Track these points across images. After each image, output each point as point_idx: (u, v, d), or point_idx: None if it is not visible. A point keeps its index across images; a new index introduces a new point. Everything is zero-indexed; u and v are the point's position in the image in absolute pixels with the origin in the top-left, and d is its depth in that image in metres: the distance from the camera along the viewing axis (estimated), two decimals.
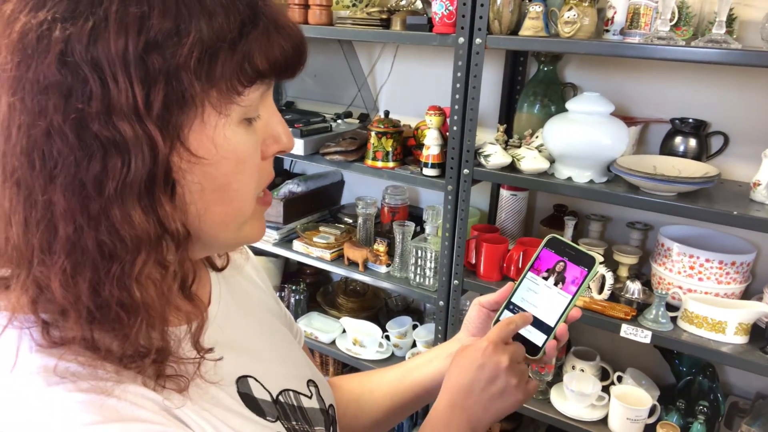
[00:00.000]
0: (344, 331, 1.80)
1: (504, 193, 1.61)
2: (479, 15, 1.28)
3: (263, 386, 0.55)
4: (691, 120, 1.39)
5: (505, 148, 1.42)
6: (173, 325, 0.48)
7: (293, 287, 1.94)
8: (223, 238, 0.49)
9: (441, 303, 1.52)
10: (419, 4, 1.57)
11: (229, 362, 0.53)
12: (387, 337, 1.74)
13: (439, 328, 1.55)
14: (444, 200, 1.45)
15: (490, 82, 1.64)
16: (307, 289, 1.96)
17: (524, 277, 0.69)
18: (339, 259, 1.71)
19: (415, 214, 1.77)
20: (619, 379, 1.49)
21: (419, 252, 1.55)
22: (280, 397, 0.57)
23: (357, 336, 1.74)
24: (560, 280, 0.67)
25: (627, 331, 1.28)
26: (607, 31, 1.29)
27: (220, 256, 0.61)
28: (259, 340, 0.60)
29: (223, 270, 0.61)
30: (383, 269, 1.63)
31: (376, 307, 1.93)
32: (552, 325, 0.66)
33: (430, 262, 1.54)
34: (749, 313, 1.22)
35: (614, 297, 1.38)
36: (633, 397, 1.37)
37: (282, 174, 2.09)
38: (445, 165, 1.43)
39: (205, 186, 0.45)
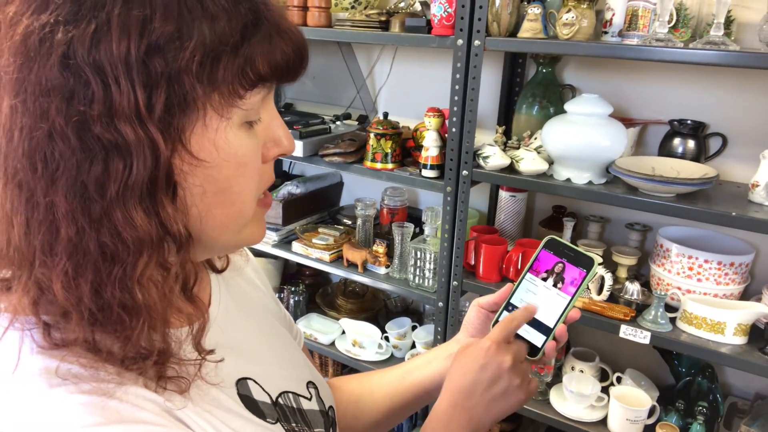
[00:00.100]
0: (343, 332, 1.80)
1: (503, 194, 1.61)
2: (478, 17, 1.29)
3: (263, 388, 0.55)
4: (689, 121, 1.39)
5: (504, 150, 1.43)
6: (174, 327, 0.48)
7: (292, 288, 1.94)
8: (223, 240, 0.49)
9: (440, 304, 1.52)
10: (418, 6, 1.57)
11: (229, 364, 0.53)
12: (386, 338, 1.74)
13: (439, 329, 1.55)
14: (443, 201, 1.45)
15: (488, 83, 1.65)
16: (306, 291, 1.96)
17: (523, 278, 0.69)
18: (338, 260, 1.71)
19: (414, 216, 1.78)
20: (619, 379, 1.49)
21: (418, 253, 1.55)
22: (280, 399, 0.57)
23: (356, 337, 1.74)
24: (559, 281, 0.67)
25: (626, 331, 1.28)
26: (606, 32, 1.29)
27: (220, 258, 0.61)
28: (258, 341, 0.61)
29: (223, 272, 0.61)
30: (382, 270, 1.64)
31: (375, 309, 1.93)
32: (551, 326, 0.66)
33: (430, 264, 1.54)
34: (748, 314, 1.22)
35: (613, 298, 1.38)
36: (632, 398, 1.37)
37: (281, 175, 2.09)
38: (444, 166, 1.43)
39: (207, 188, 0.45)
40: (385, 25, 1.50)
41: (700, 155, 1.38)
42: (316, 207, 1.91)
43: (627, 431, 1.35)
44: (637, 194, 1.24)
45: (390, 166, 1.55)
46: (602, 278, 1.36)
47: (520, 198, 1.60)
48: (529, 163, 1.36)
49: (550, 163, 1.39)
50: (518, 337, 0.67)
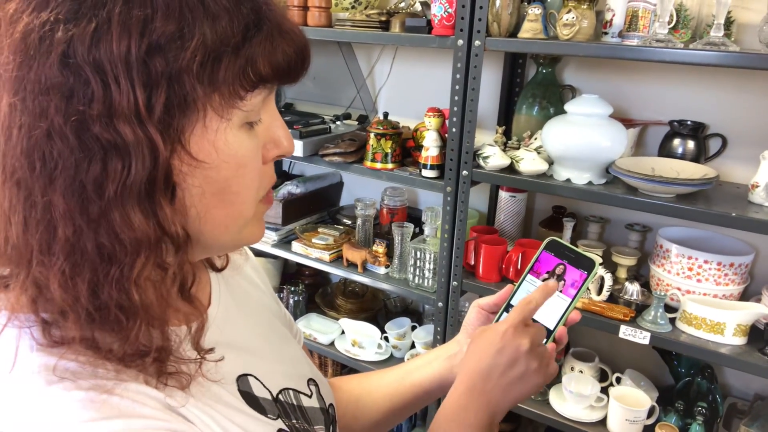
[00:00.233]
0: (343, 332, 1.80)
1: (503, 194, 1.61)
2: (478, 17, 1.29)
3: (263, 385, 0.55)
4: (689, 122, 1.39)
5: (504, 150, 1.43)
6: (174, 325, 0.48)
7: (292, 288, 1.94)
8: (222, 240, 0.49)
9: (440, 304, 1.52)
10: (418, 7, 1.57)
11: (230, 361, 0.53)
12: (386, 339, 1.74)
13: (438, 329, 1.55)
14: (443, 201, 1.45)
15: (488, 84, 1.65)
16: (305, 291, 1.96)
17: (524, 279, 0.69)
18: (338, 260, 1.71)
19: (414, 216, 1.77)
20: (618, 380, 1.49)
21: (418, 253, 1.55)
22: (280, 396, 0.57)
23: (356, 337, 1.74)
24: (560, 282, 0.67)
25: (626, 332, 1.28)
26: (606, 33, 1.29)
27: (219, 256, 0.61)
28: (258, 339, 0.61)
29: (222, 270, 0.61)
30: (382, 270, 1.63)
31: (374, 309, 1.93)
32: (551, 328, 0.66)
33: (429, 264, 1.54)
34: (748, 315, 1.22)
35: (613, 298, 1.38)
36: (632, 399, 1.37)
37: (281, 175, 2.08)
38: (444, 166, 1.43)
39: (206, 189, 0.45)
40: (385, 25, 1.50)
41: (699, 156, 1.38)
42: (315, 207, 1.91)
43: None
44: (636, 195, 1.24)
45: (390, 166, 1.55)
46: (602, 278, 1.36)
47: (519, 198, 1.60)
48: (529, 163, 1.36)
49: (550, 163, 1.39)
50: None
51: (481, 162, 1.40)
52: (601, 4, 1.32)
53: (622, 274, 1.45)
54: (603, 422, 1.40)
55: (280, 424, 0.54)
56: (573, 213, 1.60)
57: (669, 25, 1.18)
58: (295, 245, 1.75)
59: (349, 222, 1.85)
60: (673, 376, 1.52)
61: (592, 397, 1.41)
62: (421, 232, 1.62)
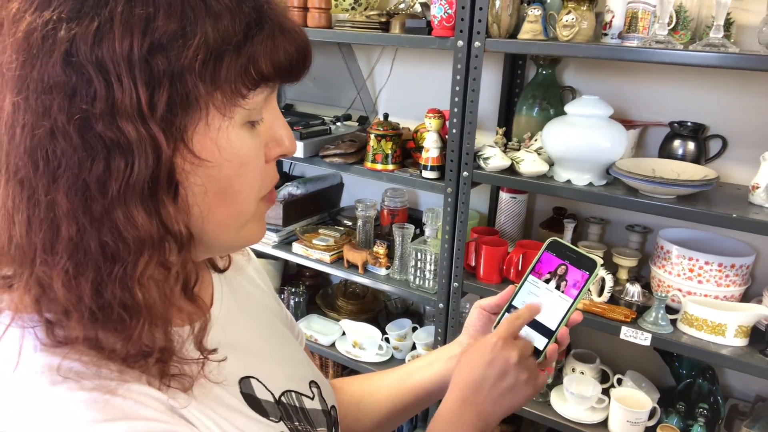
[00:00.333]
0: (344, 333, 1.80)
1: (503, 195, 1.61)
2: (478, 18, 1.29)
3: (266, 387, 0.55)
4: (689, 123, 1.39)
5: (504, 151, 1.43)
6: (177, 326, 0.48)
7: (292, 289, 1.93)
8: (223, 239, 0.49)
9: (441, 305, 1.52)
10: (418, 8, 1.57)
11: (232, 363, 0.53)
12: (387, 340, 1.74)
13: (439, 330, 1.55)
14: (443, 203, 1.45)
15: (489, 85, 1.65)
16: (306, 292, 1.96)
17: (525, 280, 0.69)
18: (338, 261, 1.71)
19: (414, 217, 1.77)
20: (619, 381, 1.49)
21: (419, 254, 1.55)
22: (283, 398, 0.57)
23: (356, 338, 1.74)
24: (561, 283, 0.67)
25: (627, 333, 1.28)
26: (606, 34, 1.29)
27: (221, 257, 0.61)
28: (260, 341, 0.60)
29: (224, 271, 0.61)
30: (383, 271, 1.63)
31: (375, 310, 1.93)
32: (553, 329, 0.66)
33: (430, 265, 1.54)
34: (749, 316, 1.22)
35: (614, 299, 1.38)
36: (633, 400, 1.37)
37: (281, 176, 2.09)
38: (445, 168, 1.43)
39: (208, 188, 0.45)
40: (385, 26, 1.50)
41: (700, 157, 1.38)
42: (316, 208, 1.91)
43: None
44: (637, 196, 1.24)
45: (390, 167, 1.55)
46: (603, 280, 1.36)
47: (520, 199, 1.60)
48: (530, 164, 1.36)
49: (551, 164, 1.39)
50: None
51: (481, 163, 1.40)
52: (600, 5, 1.32)
53: (622, 275, 1.44)
54: (604, 424, 1.40)
55: (282, 426, 0.54)
56: (573, 214, 1.60)
57: (669, 26, 1.18)
58: (296, 246, 1.75)
59: (350, 223, 1.85)
60: (674, 377, 1.51)
61: (594, 399, 1.40)
62: (422, 233, 1.62)
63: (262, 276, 0.70)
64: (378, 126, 1.54)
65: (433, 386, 0.73)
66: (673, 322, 1.29)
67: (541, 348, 0.66)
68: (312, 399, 0.61)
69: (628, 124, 1.43)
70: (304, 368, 0.64)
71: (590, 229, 1.56)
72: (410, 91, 1.84)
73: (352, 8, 1.59)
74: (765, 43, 1.13)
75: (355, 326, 1.79)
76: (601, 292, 1.36)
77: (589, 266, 0.66)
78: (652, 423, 1.37)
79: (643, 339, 1.27)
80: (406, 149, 1.60)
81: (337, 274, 1.70)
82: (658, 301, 1.29)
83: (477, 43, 1.30)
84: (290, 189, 1.83)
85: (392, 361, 1.74)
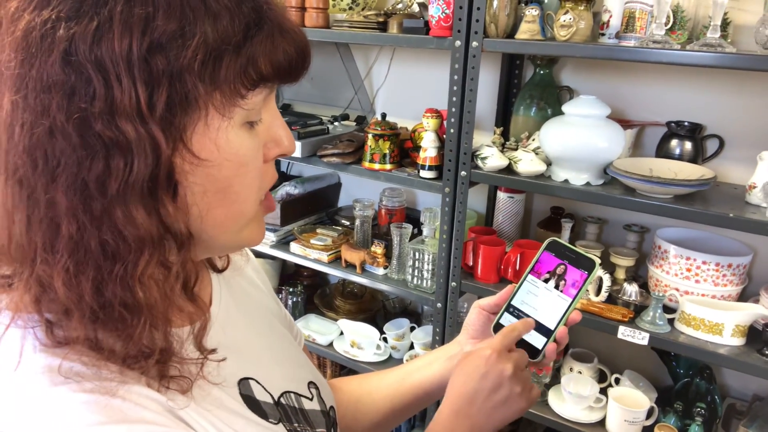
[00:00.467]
0: (342, 333, 1.80)
1: (501, 195, 1.61)
2: (476, 18, 1.29)
3: (264, 388, 0.55)
4: (686, 123, 1.40)
5: (502, 151, 1.43)
6: (176, 326, 0.48)
7: (290, 289, 1.93)
8: (222, 239, 0.49)
9: (439, 305, 1.52)
10: (416, 8, 1.58)
11: (231, 364, 0.53)
12: (385, 339, 1.74)
13: (437, 330, 1.55)
14: (441, 202, 1.45)
15: (486, 85, 1.65)
16: (304, 291, 1.96)
17: (524, 279, 0.69)
18: (336, 261, 1.71)
19: (412, 216, 1.77)
20: (617, 381, 1.49)
21: (417, 254, 1.55)
22: (282, 399, 0.57)
23: (354, 338, 1.74)
24: (560, 282, 0.67)
25: (624, 333, 1.28)
26: (603, 34, 1.29)
27: (220, 257, 0.61)
28: (259, 341, 0.60)
29: (223, 271, 0.61)
30: (381, 271, 1.63)
31: (373, 309, 1.93)
32: (552, 328, 0.66)
33: (428, 264, 1.54)
34: (746, 315, 1.23)
35: (611, 299, 1.38)
36: (630, 399, 1.38)
37: (279, 176, 2.08)
38: (443, 167, 1.43)
39: (207, 188, 0.45)
40: (383, 26, 1.50)
41: (697, 157, 1.39)
42: (314, 208, 1.91)
43: None
44: (634, 195, 1.25)
45: (388, 166, 1.55)
46: (600, 279, 1.36)
47: (518, 199, 1.60)
48: (527, 164, 1.37)
49: (548, 164, 1.39)
50: (519, 339, 0.67)
51: (479, 163, 1.41)
52: (598, 5, 1.32)
53: (620, 274, 1.45)
54: (602, 423, 1.40)
55: (281, 428, 0.54)
56: (571, 214, 1.60)
57: (666, 26, 1.18)
58: (294, 246, 1.74)
59: (348, 223, 1.85)
60: (671, 376, 1.52)
61: (591, 398, 1.41)
62: (420, 232, 1.62)
63: (261, 276, 0.70)
64: (376, 126, 1.54)
65: (432, 386, 0.73)
66: (671, 321, 1.30)
67: (539, 347, 0.66)
68: (311, 400, 0.61)
69: (625, 123, 1.43)
70: (303, 369, 0.64)
71: (588, 228, 1.56)
72: (408, 90, 1.84)
73: (350, 8, 1.59)
74: (762, 43, 1.14)
75: (353, 326, 1.79)
76: (598, 292, 1.37)
77: (587, 266, 0.66)
78: (649, 422, 1.37)
79: (641, 338, 1.27)
80: (403, 149, 1.60)
81: (335, 273, 1.69)
82: (656, 300, 1.29)
83: (475, 43, 1.30)
84: (288, 189, 1.83)
85: (390, 361, 1.74)
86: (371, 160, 1.55)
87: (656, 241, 1.38)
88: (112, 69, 0.39)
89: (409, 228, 1.62)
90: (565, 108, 1.34)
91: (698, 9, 1.29)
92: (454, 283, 1.48)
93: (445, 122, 1.45)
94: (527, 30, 1.29)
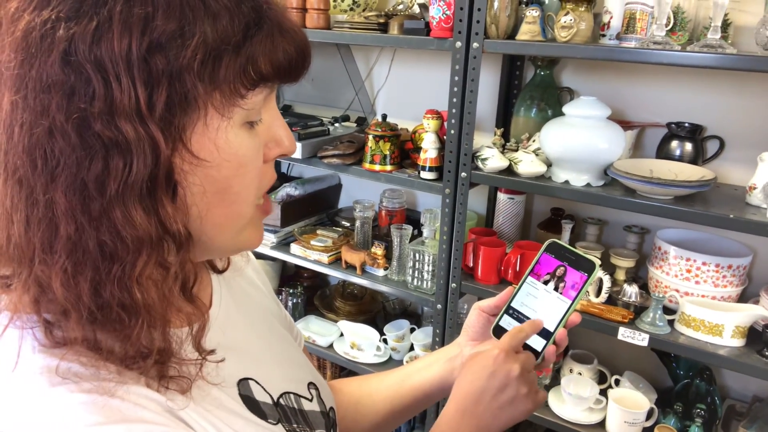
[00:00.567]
0: (342, 334, 1.80)
1: (501, 196, 1.61)
2: (476, 19, 1.29)
3: (264, 389, 0.55)
4: (687, 124, 1.40)
5: (502, 152, 1.43)
6: (175, 327, 0.47)
7: (290, 290, 1.93)
8: (220, 240, 0.49)
9: (439, 306, 1.52)
10: (417, 9, 1.58)
11: (231, 365, 0.53)
12: (385, 341, 1.74)
13: (437, 331, 1.55)
14: (441, 203, 1.45)
15: (487, 86, 1.65)
16: (304, 293, 1.96)
17: (524, 281, 0.69)
18: (336, 262, 1.70)
19: (412, 218, 1.77)
20: (617, 382, 1.49)
21: (417, 255, 1.55)
22: (281, 400, 0.57)
23: (354, 339, 1.74)
24: (560, 284, 0.67)
25: (624, 334, 1.28)
26: (604, 35, 1.29)
27: (220, 258, 0.61)
28: (259, 342, 0.60)
29: (223, 272, 0.61)
30: (381, 272, 1.63)
31: (373, 311, 1.93)
32: (552, 330, 0.66)
33: (428, 266, 1.54)
34: (746, 316, 1.23)
35: (611, 300, 1.38)
36: (630, 401, 1.37)
37: (279, 177, 2.08)
38: (443, 168, 1.43)
39: (207, 188, 0.45)
40: (383, 27, 1.50)
41: (697, 158, 1.39)
42: (314, 209, 1.91)
43: None
44: (635, 196, 1.25)
45: (388, 168, 1.55)
46: (600, 280, 1.36)
47: (518, 200, 1.60)
48: (528, 165, 1.36)
49: (549, 165, 1.39)
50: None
51: (479, 164, 1.41)
52: (598, 6, 1.32)
53: (620, 275, 1.45)
54: (602, 424, 1.40)
55: (280, 428, 0.54)
56: (571, 215, 1.60)
57: (666, 27, 1.18)
58: (294, 247, 1.74)
59: (348, 224, 1.85)
60: (671, 378, 1.52)
61: (591, 399, 1.40)
62: (420, 234, 1.62)
63: (261, 277, 0.70)
64: (376, 127, 1.54)
65: (432, 388, 0.73)
66: (671, 322, 1.30)
67: (539, 349, 0.66)
68: (310, 400, 0.61)
69: (625, 124, 1.43)
70: (303, 370, 0.64)
71: (588, 229, 1.56)
72: (408, 92, 1.84)
73: (351, 9, 1.59)
74: (762, 44, 1.14)
75: (353, 327, 1.79)
76: (598, 293, 1.37)
77: (587, 268, 0.66)
78: (649, 423, 1.37)
79: (641, 340, 1.27)
80: (404, 150, 1.60)
81: (335, 275, 1.69)
82: (656, 301, 1.29)
83: (475, 44, 1.30)
84: (288, 190, 1.83)
85: (390, 362, 1.74)
86: (372, 162, 1.55)
87: (656, 242, 1.38)
88: (112, 69, 0.38)
89: (409, 229, 1.62)
90: (565, 109, 1.34)
91: (699, 10, 1.29)
92: (454, 285, 1.48)
93: (445, 123, 1.45)
94: (528, 31, 1.29)
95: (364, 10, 1.60)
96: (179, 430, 0.44)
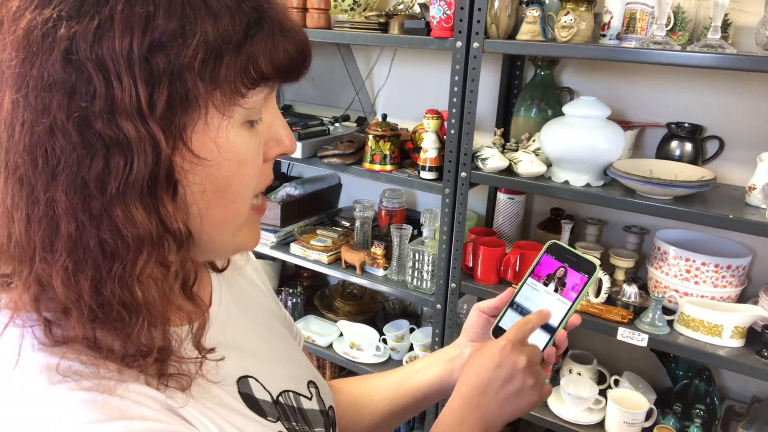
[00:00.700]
0: (341, 334, 1.80)
1: (501, 196, 1.61)
2: (477, 19, 1.29)
3: (264, 387, 0.55)
4: (686, 124, 1.40)
5: (502, 152, 1.43)
6: (175, 325, 0.48)
7: (290, 290, 1.93)
8: (218, 240, 0.49)
9: (438, 306, 1.52)
10: (417, 9, 1.58)
11: (230, 363, 0.53)
12: (384, 341, 1.74)
13: (437, 331, 1.55)
14: (441, 203, 1.45)
15: (487, 86, 1.65)
16: (304, 293, 1.96)
17: (524, 282, 0.69)
18: (336, 262, 1.70)
19: (412, 218, 1.77)
20: (616, 382, 1.49)
21: (416, 255, 1.55)
22: (280, 398, 0.57)
23: (354, 339, 1.74)
24: (560, 286, 0.67)
25: (624, 334, 1.28)
26: (604, 35, 1.30)
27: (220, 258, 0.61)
28: (259, 341, 0.60)
29: (223, 271, 0.61)
30: (380, 272, 1.63)
31: (373, 311, 1.93)
32: (552, 330, 0.66)
33: (428, 266, 1.54)
34: (745, 317, 1.23)
35: (611, 300, 1.38)
36: (630, 401, 1.38)
37: (279, 177, 2.08)
38: (443, 168, 1.43)
39: (207, 187, 0.45)
40: (384, 27, 1.50)
41: (697, 158, 1.39)
42: (314, 209, 1.91)
43: None
44: (634, 197, 1.25)
45: (388, 167, 1.55)
46: (600, 280, 1.36)
47: (518, 200, 1.60)
48: (528, 165, 1.37)
49: (549, 165, 1.39)
50: None
51: (479, 164, 1.41)
52: (599, 6, 1.32)
53: (620, 276, 1.45)
54: (601, 425, 1.40)
55: (279, 426, 0.54)
56: (571, 215, 1.60)
57: (666, 27, 1.19)
58: (294, 247, 1.74)
59: (348, 224, 1.85)
60: (671, 378, 1.52)
61: (590, 400, 1.41)
62: (420, 234, 1.62)
63: (261, 276, 0.70)
64: (376, 127, 1.54)
65: (432, 389, 0.73)
66: (670, 323, 1.30)
67: (540, 348, 0.66)
68: (310, 399, 0.61)
69: (625, 125, 1.43)
70: (303, 368, 0.64)
71: (587, 229, 1.56)
72: (409, 91, 1.84)
73: (351, 9, 1.59)
74: (762, 45, 1.14)
75: (353, 327, 1.79)
76: (598, 293, 1.37)
77: (587, 269, 0.66)
78: (648, 424, 1.37)
79: (640, 340, 1.27)
80: (404, 150, 1.60)
81: (335, 274, 1.69)
82: (655, 302, 1.29)
83: (476, 44, 1.30)
84: (288, 190, 1.83)
85: (390, 362, 1.74)
86: (372, 161, 1.55)
87: (656, 243, 1.38)
88: (113, 68, 0.39)
89: (409, 229, 1.62)
90: (565, 109, 1.34)
91: (699, 10, 1.29)
92: (453, 285, 1.48)
93: (445, 123, 1.45)
94: (528, 31, 1.29)
95: (364, 10, 1.60)
96: (179, 427, 0.44)
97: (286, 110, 2.04)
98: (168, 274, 0.44)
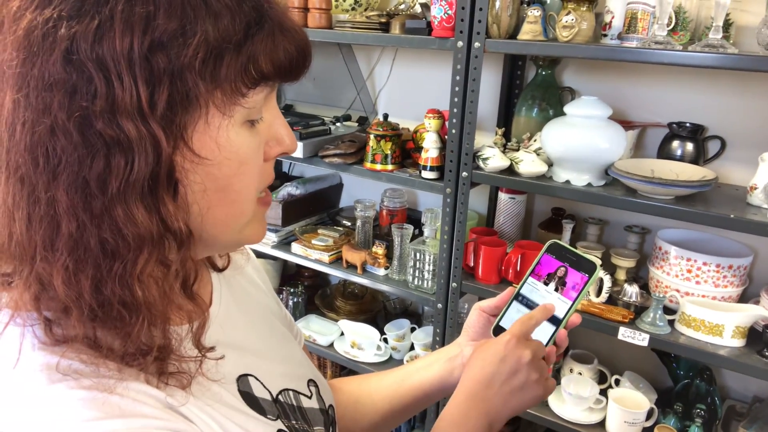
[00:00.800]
0: (342, 333, 1.80)
1: (502, 196, 1.61)
2: (478, 19, 1.29)
3: (263, 385, 0.55)
4: (688, 124, 1.39)
5: (503, 152, 1.43)
6: (175, 324, 0.48)
7: (291, 290, 1.93)
8: (223, 238, 0.49)
9: (439, 306, 1.52)
10: (418, 8, 1.58)
11: (230, 361, 0.53)
12: (385, 340, 1.74)
13: (438, 330, 1.55)
14: (442, 203, 1.45)
15: (488, 85, 1.65)
16: (305, 292, 1.96)
17: (525, 281, 0.69)
18: (337, 261, 1.71)
19: (413, 217, 1.78)
20: (617, 382, 1.49)
21: (418, 255, 1.55)
22: (280, 397, 0.57)
23: (355, 339, 1.74)
24: (561, 285, 0.67)
25: (625, 334, 1.28)
26: (605, 35, 1.29)
27: (221, 256, 0.61)
28: (259, 340, 0.61)
29: (224, 270, 0.61)
30: (381, 272, 1.63)
31: (374, 310, 1.93)
32: (553, 329, 0.66)
33: (429, 265, 1.54)
34: (746, 317, 1.23)
35: (612, 300, 1.38)
36: (630, 401, 1.37)
37: (281, 176, 2.09)
38: (444, 168, 1.43)
39: (208, 186, 0.45)
40: (385, 27, 1.50)
41: (698, 158, 1.39)
42: (315, 208, 1.91)
43: None
44: (636, 196, 1.25)
45: (390, 167, 1.55)
46: (601, 280, 1.36)
47: (519, 200, 1.60)
48: (529, 164, 1.37)
49: (550, 165, 1.39)
50: None
51: (480, 163, 1.41)
52: (600, 6, 1.32)
53: (621, 275, 1.45)
54: (602, 424, 1.40)
55: (279, 424, 0.54)
56: (572, 215, 1.60)
57: (668, 27, 1.18)
58: (295, 246, 1.75)
59: (349, 223, 1.85)
60: (671, 378, 1.52)
61: (591, 399, 1.41)
62: (421, 233, 1.62)
63: (261, 275, 0.70)
64: (377, 126, 1.54)
65: (432, 388, 0.73)
66: (671, 322, 1.30)
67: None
68: (310, 398, 0.61)
69: (627, 124, 1.43)
70: (303, 367, 0.64)
71: (589, 229, 1.56)
72: (410, 91, 1.84)
73: (353, 9, 1.59)
74: (764, 44, 1.14)
75: (354, 326, 1.79)
76: (599, 293, 1.37)
77: (588, 269, 0.66)
78: (649, 423, 1.37)
79: (641, 340, 1.27)
80: (405, 149, 1.61)
81: (336, 274, 1.70)
82: (656, 301, 1.29)
83: (477, 44, 1.30)
84: (290, 189, 1.83)
85: (390, 362, 1.74)
86: (373, 161, 1.55)
87: (657, 242, 1.38)
88: (114, 68, 0.39)
89: (410, 229, 1.62)
90: (566, 109, 1.34)
91: (700, 10, 1.29)
92: (454, 284, 1.48)
93: (446, 123, 1.45)
94: (529, 31, 1.29)
95: (365, 10, 1.60)
96: (179, 424, 0.44)
97: (288, 110, 2.05)
98: (168, 274, 0.45)
